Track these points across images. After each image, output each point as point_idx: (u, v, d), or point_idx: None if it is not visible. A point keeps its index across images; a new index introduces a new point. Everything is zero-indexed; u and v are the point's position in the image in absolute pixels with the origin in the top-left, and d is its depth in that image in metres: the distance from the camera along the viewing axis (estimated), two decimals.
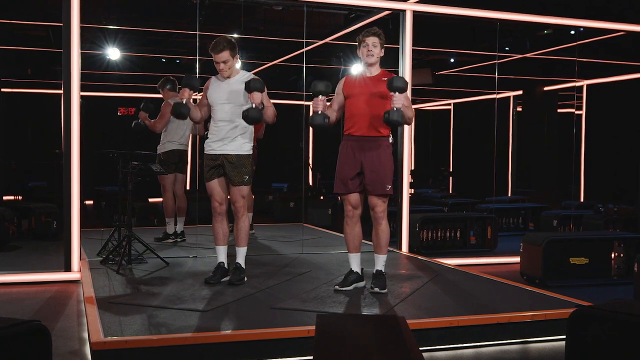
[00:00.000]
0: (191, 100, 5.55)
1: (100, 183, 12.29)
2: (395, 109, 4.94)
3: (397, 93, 4.96)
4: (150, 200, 11.43)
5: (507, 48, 11.02)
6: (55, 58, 11.22)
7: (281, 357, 4.13)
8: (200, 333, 4.08)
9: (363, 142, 5.22)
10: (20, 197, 12.34)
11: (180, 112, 5.39)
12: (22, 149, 13.28)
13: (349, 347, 2.76)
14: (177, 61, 12.42)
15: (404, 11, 7.63)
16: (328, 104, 5.27)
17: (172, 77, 7.93)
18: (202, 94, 5.73)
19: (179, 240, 7.93)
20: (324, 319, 3.26)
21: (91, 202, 12.09)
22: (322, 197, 13.96)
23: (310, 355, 4.12)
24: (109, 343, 3.85)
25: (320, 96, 5.12)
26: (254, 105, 5.23)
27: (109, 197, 11.55)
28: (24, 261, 7.43)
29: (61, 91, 13.31)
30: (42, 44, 10.90)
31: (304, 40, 8.05)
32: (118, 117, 14.06)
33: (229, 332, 4.11)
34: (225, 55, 5.44)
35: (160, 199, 11.65)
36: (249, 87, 5.26)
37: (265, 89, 5.53)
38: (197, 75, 7.82)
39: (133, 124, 7.66)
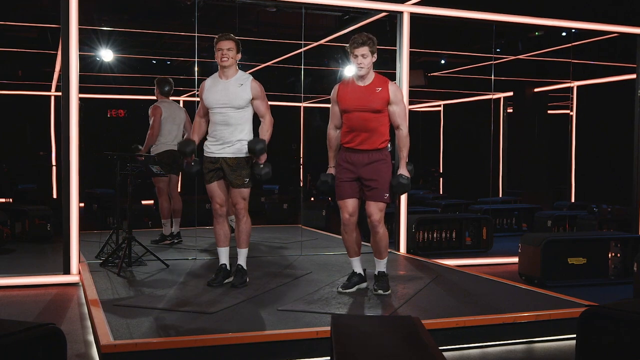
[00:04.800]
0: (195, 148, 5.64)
1: (92, 185, 12.23)
2: (401, 175, 5.18)
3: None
4: (143, 202, 11.40)
5: (498, 50, 11.08)
6: (47, 60, 11.21)
7: (290, 359, 4.13)
8: (210, 335, 4.07)
9: (361, 155, 5.19)
10: (10, 200, 12.25)
11: (193, 173, 5.69)
12: (12, 151, 13.19)
13: (370, 347, 2.76)
14: (168, 62, 12.38)
15: (401, 13, 7.64)
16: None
17: (170, 79, 7.86)
18: (199, 99, 5.66)
19: (175, 241, 7.89)
20: (339, 320, 3.26)
21: (82, 204, 12.01)
22: (312, 199, 13.96)
23: (318, 357, 4.14)
24: (119, 346, 3.83)
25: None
26: (262, 165, 5.38)
27: (101, 199, 11.51)
28: (20, 264, 7.36)
29: (50, 93, 13.31)
30: (34, 46, 10.83)
31: (302, 42, 8.05)
32: (108, 119, 14.02)
33: (238, 334, 4.10)
34: (230, 43, 5.41)
35: (152, 201, 11.65)
36: (255, 152, 5.35)
37: (264, 93, 5.53)
38: (196, 77, 7.82)
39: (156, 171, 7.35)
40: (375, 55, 5.19)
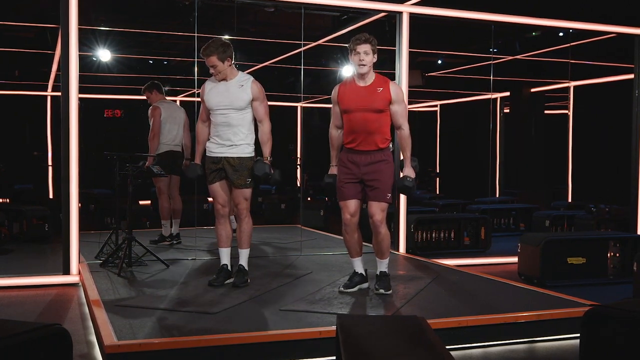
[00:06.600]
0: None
1: (89, 186, 12.19)
2: (405, 178, 5.17)
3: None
4: (141, 202, 11.38)
5: (495, 50, 11.09)
6: (43, 60, 11.17)
7: (293, 359, 4.13)
8: (214, 335, 4.07)
9: (364, 156, 5.18)
10: (8, 200, 12.22)
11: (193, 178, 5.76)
12: (9, 151, 13.15)
13: (379, 347, 2.76)
14: (165, 62, 12.36)
15: (400, 13, 7.65)
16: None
17: (156, 81, 7.86)
18: (200, 101, 5.65)
19: (174, 242, 7.88)
20: (345, 320, 3.26)
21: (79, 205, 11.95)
22: (309, 199, 13.96)
23: (321, 357, 4.14)
24: (123, 346, 3.83)
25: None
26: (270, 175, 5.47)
27: (99, 199, 11.49)
28: (18, 264, 7.34)
29: (47, 93, 13.26)
30: (30, 45, 10.80)
31: (302, 42, 8.04)
32: (105, 119, 13.99)
33: (242, 334, 4.10)
34: (213, 59, 5.36)
35: (149, 202, 11.63)
36: (260, 180, 5.49)
37: (264, 94, 5.52)
38: (195, 77, 7.81)
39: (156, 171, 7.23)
40: (376, 55, 5.15)
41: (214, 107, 5.46)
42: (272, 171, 5.44)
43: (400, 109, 5.17)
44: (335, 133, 5.39)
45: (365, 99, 5.11)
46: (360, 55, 5.07)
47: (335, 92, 5.29)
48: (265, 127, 5.52)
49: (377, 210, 5.20)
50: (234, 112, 5.42)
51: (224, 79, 5.46)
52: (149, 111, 7.64)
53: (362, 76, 5.15)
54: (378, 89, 5.11)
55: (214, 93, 5.47)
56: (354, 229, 5.35)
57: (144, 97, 7.92)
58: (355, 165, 5.19)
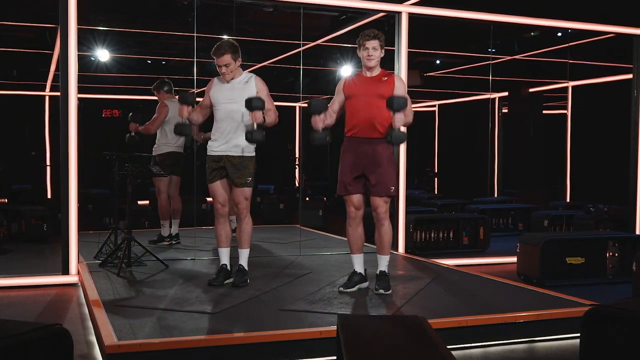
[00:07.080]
0: (191, 114, 5.57)
1: (87, 186, 12.18)
2: (397, 129, 4.98)
3: (397, 113, 4.97)
4: (139, 202, 11.36)
5: (493, 50, 11.09)
6: (42, 59, 11.17)
7: (293, 359, 4.13)
8: (215, 335, 4.07)
9: (365, 144, 5.23)
10: (6, 200, 12.21)
11: (183, 132, 5.64)
12: (7, 151, 13.13)
13: (381, 347, 2.76)
14: (163, 62, 12.34)
15: (399, 13, 7.66)
16: (328, 105, 5.31)
17: (167, 79, 7.88)
18: (204, 95, 5.70)
19: (173, 242, 7.88)
20: (346, 320, 3.27)
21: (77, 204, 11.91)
22: (307, 199, 13.96)
23: (321, 357, 4.14)
24: (124, 346, 3.83)
25: (319, 115, 5.15)
26: (255, 127, 5.26)
27: (98, 199, 11.48)
28: (17, 264, 7.34)
29: (45, 93, 13.25)
30: (28, 45, 10.79)
31: (301, 42, 8.05)
32: (103, 119, 13.97)
33: (242, 334, 4.10)
34: (226, 58, 5.44)
35: (148, 202, 11.61)
36: (250, 105, 5.24)
37: (268, 90, 5.55)
38: (195, 77, 7.81)
39: (127, 139, 7.51)
40: (383, 51, 5.30)
41: (218, 101, 5.53)
42: (261, 106, 5.23)
43: (403, 94, 5.22)
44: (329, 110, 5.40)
45: (370, 86, 5.27)
46: (369, 51, 5.24)
47: (341, 82, 5.45)
48: (272, 111, 5.49)
49: (381, 202, 5.29)
50: (238, 108, 5.45)
51: (231, 79, 5.54)
52: (157, 108, 7.66)
53: (369, 69, 5.31)
54: (383, 78, 5.29)
55: (220, 89, 5.57)
56: (359, 222, 5.43)
57: (143, 97, 7.92)
58: (357, 157, 5.25)
